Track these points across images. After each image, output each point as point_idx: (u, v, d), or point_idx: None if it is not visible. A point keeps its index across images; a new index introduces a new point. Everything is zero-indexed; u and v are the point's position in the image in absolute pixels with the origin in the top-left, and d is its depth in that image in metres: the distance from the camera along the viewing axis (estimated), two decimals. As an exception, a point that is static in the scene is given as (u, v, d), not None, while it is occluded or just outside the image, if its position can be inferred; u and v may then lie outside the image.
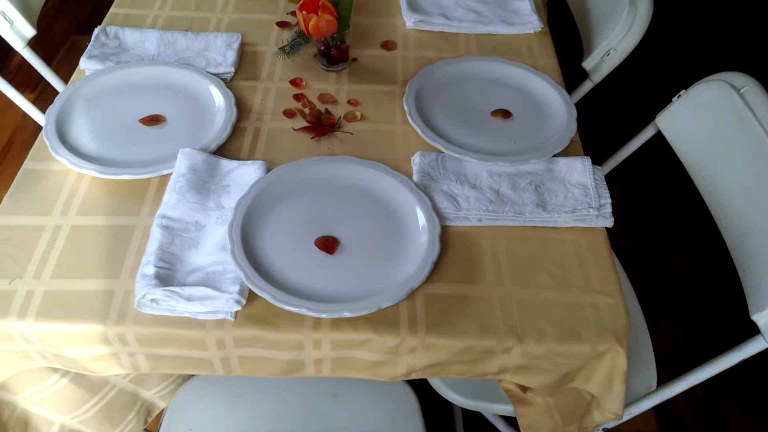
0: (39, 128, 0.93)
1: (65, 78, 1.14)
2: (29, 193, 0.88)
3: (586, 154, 0.98)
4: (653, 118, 1.09)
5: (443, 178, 0.91)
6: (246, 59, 1.11)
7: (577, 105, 1.15)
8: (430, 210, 0.86)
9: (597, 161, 1.02)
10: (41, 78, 1.24)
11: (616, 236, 1.89)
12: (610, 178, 1.00)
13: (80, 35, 2.51)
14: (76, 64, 1.06)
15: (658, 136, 1.10)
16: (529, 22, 1.21)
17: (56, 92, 1.20)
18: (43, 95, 2.19)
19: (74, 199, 0.87)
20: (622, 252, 1.84)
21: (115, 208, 0.86)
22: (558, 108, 1.04)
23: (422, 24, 1.19)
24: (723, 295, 1.75)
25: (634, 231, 1.93)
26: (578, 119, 1.01)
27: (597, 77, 1.23)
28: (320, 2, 0.99)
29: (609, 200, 0.90)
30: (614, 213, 0.90)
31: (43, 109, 1.06)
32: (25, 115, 2.15)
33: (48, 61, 2.35)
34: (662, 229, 1.93)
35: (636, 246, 1.88)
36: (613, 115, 2.26)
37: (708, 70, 1.08)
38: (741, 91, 0.98)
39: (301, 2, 1.00)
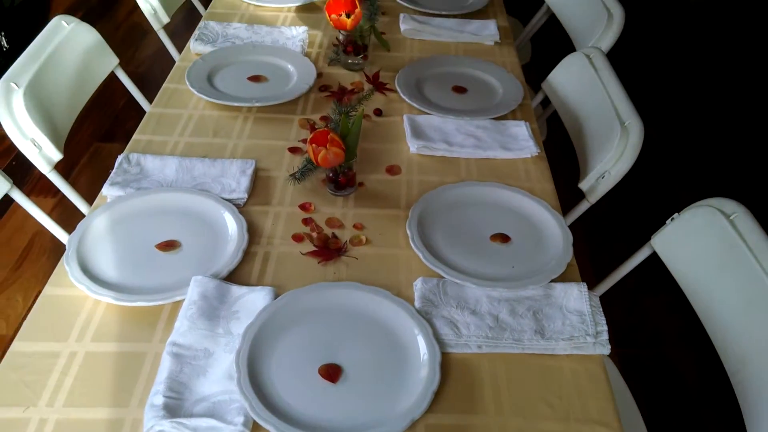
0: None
1: (86, 187, 1.20)
2: (48, 318, 0.92)
3: (582, 272, 1.02)
4: (648, 235, 1.13)
5: (444, 303, 0.95)
6: (259, 184, 1.17)
7: (575, 222, 1.20)
8: (431, 337, 0.89)
9: (595, 275, 1.06)
10: (55, 192, 1.30)
11: (621, 343, 1.90)
12: (612, 288, 1.02)
13: (103, 143, 2.63)
14: (98, 171, 1.13)
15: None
16: (526, 147, 1.28)
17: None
18: (63, 202, 2.28)
19: (90, 325, 0.91)
20: (627, 359, 1.85)
21: (128, 335, 0.90)
22: (554, 233, 1.08)
23: (425, 149, 1.26)
24: (731, 403, 1.73)
25: (639, 337, 1.93)
26: (575, 236, 1.05)
27: (593, 198, 1.28)
28: (329, 136, 1.06)
29: (605, 327, 0.93)
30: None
31: (61, 215, 1.11)
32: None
33: (71, 167, 2.47)
34: (668, 336, 1.93)
35: (641, 353, 1.88)
36: (609, 232, 2.30)
37: (701, 188, 1.13)
38: (731, 218, 1.02)
39: (311, 136, 1.07)
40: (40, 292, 0.95)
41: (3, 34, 2.67)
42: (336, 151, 1.06)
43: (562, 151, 1.54)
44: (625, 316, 1.97)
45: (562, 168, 1.25)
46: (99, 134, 2.68)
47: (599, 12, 1.66)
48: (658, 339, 1.92)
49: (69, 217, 0.99)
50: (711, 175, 2.64)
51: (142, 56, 3.16)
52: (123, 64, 1.52)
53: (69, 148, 1.35)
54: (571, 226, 1.17)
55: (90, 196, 1.25)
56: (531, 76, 2.18)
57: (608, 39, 1.62)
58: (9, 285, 2.02)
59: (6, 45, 2.70)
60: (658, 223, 1.12)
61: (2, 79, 1.21)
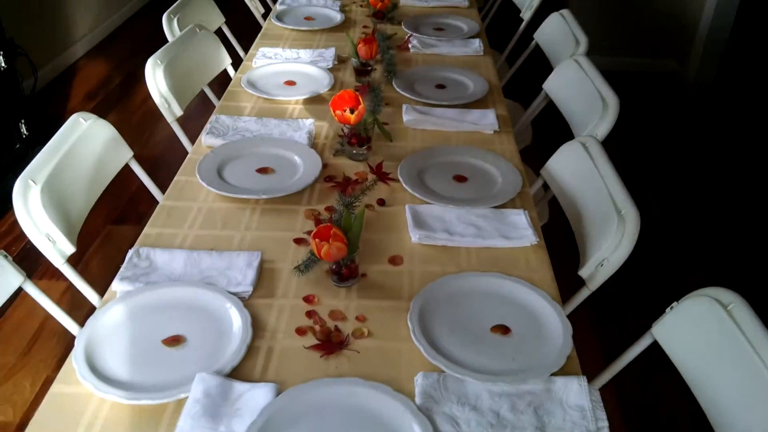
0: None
1: (97, 270, 1.23)
2: (54, 418, 0.93)
3: (582, 362, 1.02)
4: (649, 324, 1.14)
5: (445, 399, 0.96)
6: (264, 276, 1.20)
7: (573, 314, 1.21)
8: (431, 435, 0.89)
9: (595, 367, 1.06)
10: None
11: (635, 428, 1.87)
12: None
13: (116, 225, 2.70)
14: (110, 253, 1.16)
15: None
16: (525, 236, 1.31)
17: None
18: (72, 287, 2.32)
19: (95, 423, 0.92)
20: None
21: (132, 433, 0.91)
22: (554, 325, 1.10)
23: (427, 239, 1.30)
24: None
25: (652, 422, 1.90)
26: (579, 315, 1.06)
27: (593, 285, 1.30)
28: (332, 231, 1.10)
29: (606, 423, 0.93)
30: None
31: (73, 297, 1.11)
32: (58, 302, 2.26)
33: (83, 250, 2.52)
34: (684, 420, 1.89)
35: (654, 438, 1.85)
36: (607, 321, 2.30)
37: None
38: (728, 308, 1.03)
39: (315, 230, 1.11)
40: (47, 377, 0.97)
41: (23, 121, 2.79)
42: (339, 245, 1.10)
43: (564, 232, 1.57)
44: (638, 398, 1.94)
45: (563, 250, 1.27)
46: (112, 217, 2.75)
47: (595, 100, 1.72)
48: (672, 424, 1.89)
49: (80, 300, 1.02)
50: (713, 253, 2.65)
51: (156, 140, 3.27)
52: (137, 148, 1.58)
53: (82, 230, 1.39)
54: (575, 310, 1.18)
55: (101, 280, 1.29)
56: (533, 159, 2.24)
57: (604, 127, 1.67)
58: (18, 371, 2.03)
59: (26, 132, 2.81)
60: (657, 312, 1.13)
61: (21, 176, 1.27)
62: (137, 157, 1.59)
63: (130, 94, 3.82)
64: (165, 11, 2.18)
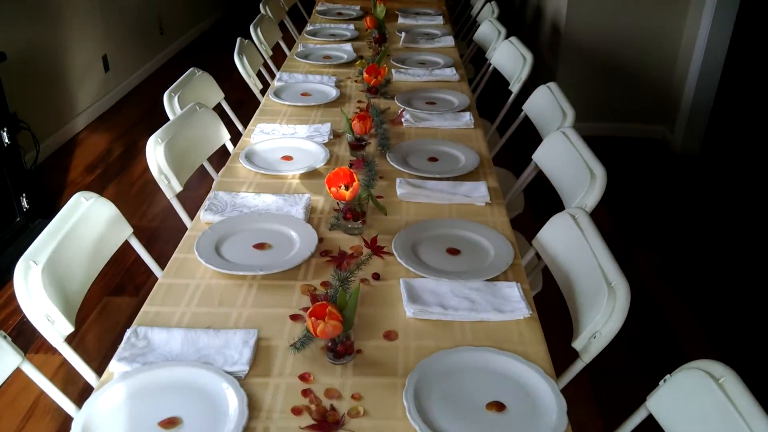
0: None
1: (94, 342, 1.24)
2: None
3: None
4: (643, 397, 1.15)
5: (441, 479, 0.96)
6: (260, 354, 1.22)
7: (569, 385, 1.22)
8: None
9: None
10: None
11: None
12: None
13: (113, 296, 2.71)
14: (107, 325, 1.17)
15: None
16: (518, 309, 1.33)
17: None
18: (64, 366, 2.31)
19: None
20: None
21: None
22: (549, 400, 1.10)
23: (421, 313, 1.32)
24: None
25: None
26: (572, 394, 1.07)
27: (587, 357, 1.31)
28: (327, 309, 1.12)
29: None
30: None
31: (69, 371, 1.10)
32: (53, 377, 2.26)
33: (81, 321, 2.52)
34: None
35: None
36: (605, 397, 2.29)
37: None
38: (719, 381, 1.05)
39: (310, 308, 1.13)
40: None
41: (24, 195, 2.83)
42: (334, 323, 1.12)
43: (558, 300, 1.59)
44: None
45: (558, 315, 1.28)
46: (109, 288, 2.76)
47: (583, 172, 1.78)
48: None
49: (76, 375, 1.02)
50: (704, 316, 2.67)
51: (155, 211, 3.32)
52: (136, 220, 1.63)
53: (79, 312, 1.40)
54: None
55: (97, 354, 1.29)
56: (527, 226, 2.28)
57: (592, 198, 1.72)
58: (9, 450, 2.01)
59: (26, 205, 2.86)
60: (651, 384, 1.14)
61: (23, 257, 1.30)
62: (136, 228, 1.63)
63: (129, 165, 3.90)
64: (166, 85, 2.26)
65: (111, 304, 2.68)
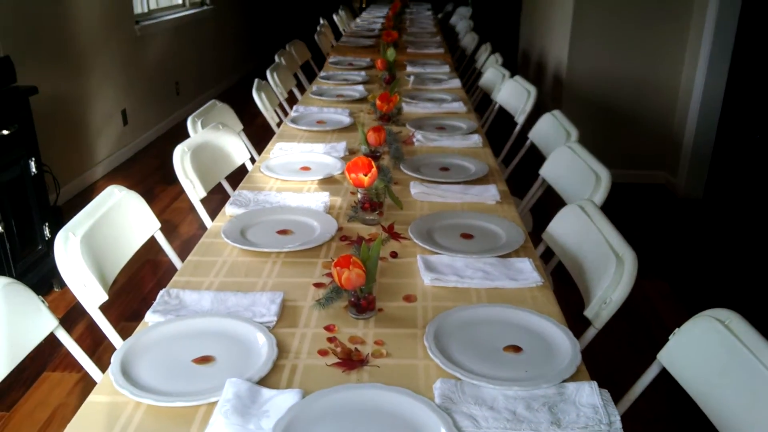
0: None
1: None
2: (90, 426, 0.97)
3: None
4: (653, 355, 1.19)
5: (462, 401, 1.00)
6: (286, 312, 1.28)
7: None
8: (452, 427, 0.93)
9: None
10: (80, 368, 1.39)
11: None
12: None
13: (129, 322, 2.75)
14: None
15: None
16: (531, 278, 1.39)
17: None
18: (85, 378, 2.34)
19: (130, 426, 0.96)
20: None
21: (165, 433, 0.95)
22: (563, 342, 1.16)
23: (437, 281, 1.38)
24: None
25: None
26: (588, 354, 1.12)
27: (599, 323, 1.36)
28: (351, 259, 1.19)
29: (618, 417, 0.97)
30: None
31: (84, 389, 1.11)
32: (70, 392, 2.28)
33: (97, 345, 2.56)
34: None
35: None
36: (618, 355, 2.31)
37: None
38: (726, 323, 1.10)
39: (335, 260, 1.20)
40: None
41: (47, 224, 2.93)
42: (358, 272, 1.18)
43: (564, 301, 1.65)
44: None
45: (566, 316, 1.32)
46: (126, 314, 2.81)
47: (588, 176, 1.87)
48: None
49: (91, 391, 1.08)
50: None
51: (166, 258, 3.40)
52: (152, 255, 1.69)
53: (96, 327, 1.46)
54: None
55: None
56: (534, 244, 2.35)
57: (598, 196, 1.80)
58: (26, 458, 2.01)
59: (48, 235, 2.95)
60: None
61: (62, 229, 1.38)
62: (151, 265, 1.71)
63: (151, 203, 4.00)
64: (180, 141, 2.33)
65: (127, 329, 2.72)
